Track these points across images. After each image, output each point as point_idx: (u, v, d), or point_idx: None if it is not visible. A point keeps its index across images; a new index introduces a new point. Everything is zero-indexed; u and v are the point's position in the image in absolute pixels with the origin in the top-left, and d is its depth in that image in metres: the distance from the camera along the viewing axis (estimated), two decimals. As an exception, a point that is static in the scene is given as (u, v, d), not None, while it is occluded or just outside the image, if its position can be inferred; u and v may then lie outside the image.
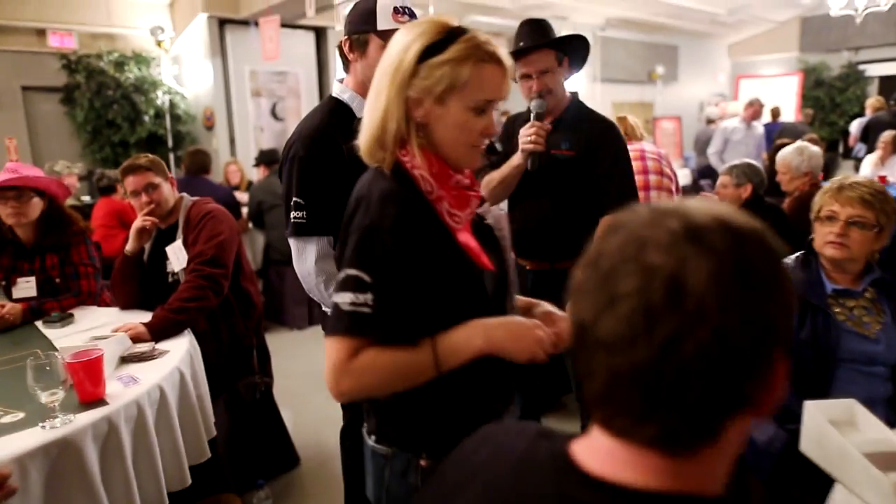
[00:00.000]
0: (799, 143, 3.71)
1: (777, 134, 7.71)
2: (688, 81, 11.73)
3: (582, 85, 8.85)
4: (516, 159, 2.27)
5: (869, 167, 6.74)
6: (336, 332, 1.07)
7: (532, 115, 2.24)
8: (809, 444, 1.36)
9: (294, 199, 1.80)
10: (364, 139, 1.15)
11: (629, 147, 2.47)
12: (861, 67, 10.97)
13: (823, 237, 1.91)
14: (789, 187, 3.55)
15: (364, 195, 1.13)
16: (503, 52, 1.14)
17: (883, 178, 6.41)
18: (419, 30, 1.11)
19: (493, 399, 1.25)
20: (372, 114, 1.14)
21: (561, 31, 8.63)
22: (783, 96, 11.01)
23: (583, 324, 0.57)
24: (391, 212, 1.08)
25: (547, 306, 1.32)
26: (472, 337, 1.10)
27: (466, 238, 1.15)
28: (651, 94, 10.90)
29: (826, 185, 1.99)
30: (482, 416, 1.04)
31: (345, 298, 1.06)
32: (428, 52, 1.09)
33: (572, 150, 2.29)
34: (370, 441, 1.25)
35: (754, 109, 7.33)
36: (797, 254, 2.02)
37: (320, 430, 3.30)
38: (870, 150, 7.31)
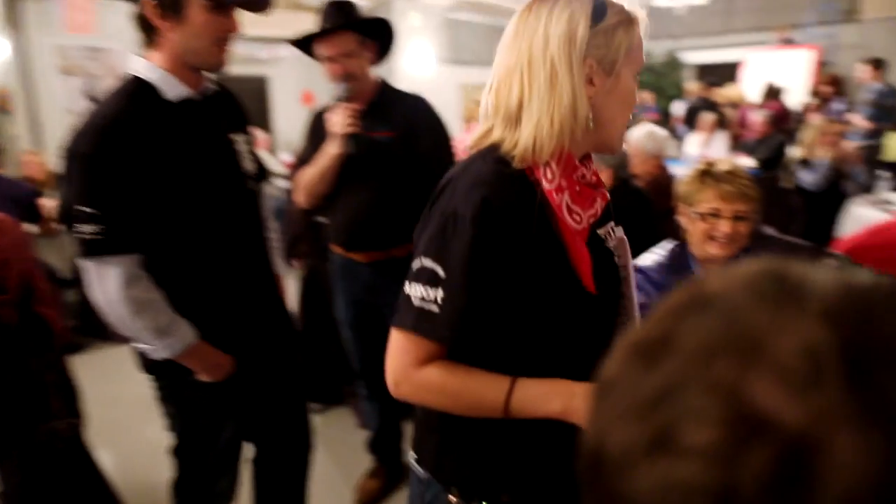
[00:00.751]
0: (647, 126, 3.80)
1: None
2: (532, 66, 11.99)
3: (430, 67, 8.72)
4: (332, 148, 2.19)
5: (695, 147, 7.32)
6: (403, 326, 0.96)
7: (339, 99, 2.19)
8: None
9: (82, 209, 1.38)
10: (542, 137, 0.93)
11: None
12: (680, 55, 11.94)
13: (705, 233, 1.83)
14: (639, 169, 3.64)
15: (457, 175, 0.97)
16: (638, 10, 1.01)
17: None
18: None
19: (547, 453, 1.06)
20: (551, 105, 0.93)
21: (407, 13, 8.50)
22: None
23: (601, 452, 0.32)
24: (480, 198, 0.91)
25: None
26: (552, 396, 0.94)
27: (577, 251, 0.96)
28: (498, 78, 10.96)
29: (692, 172, 1.93)
30: (532, 464, 1.00)
31: (415, 291, 0.94)
32: (594, 17, 0.93)
33: (391, 131, 2.25)
34: (411, 457, 1.13)
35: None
36: (669, 247, 1.94)
37: (152, 470, 2.83)
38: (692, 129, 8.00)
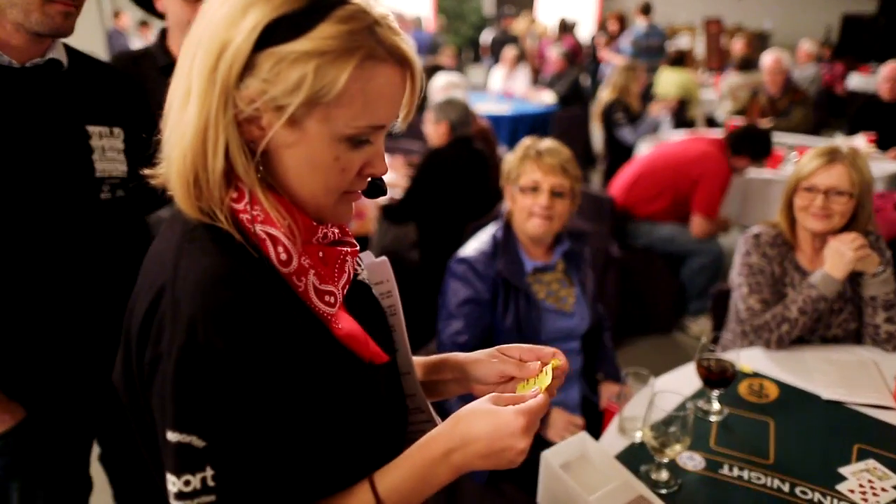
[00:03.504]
0: (446, 92, 3.67)
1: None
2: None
3: None
4: None
5: (499, 80, 7.46)
6: None
7: None
8: (546, 495, 1.20)
9: None
10: (172, 178, 0.69)
11: None
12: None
13: (527, 209, 1.77)
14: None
15: (167, 285, 0.67)
16: (407, 42, 0.71)
17: (510, 93, 7.16)
18: None
19: None
20: (179, 134, 0.68)
21: None
22: (419, 5, 11.58)
23: None
24: (220, 309, 0.64)
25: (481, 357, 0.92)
26: (431, 474, 0.73)
27: (347, 325, 0.76)
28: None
29: (519, 148, 1.84)
30: None
31: (173, 487, 0.65)
32: (274, 33, 0.64)
33: None
34: None
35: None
36: (491, 233, 1.86)
37: None
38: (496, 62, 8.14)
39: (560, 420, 1.71)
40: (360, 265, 0.87)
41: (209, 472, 0.64)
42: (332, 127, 0.67)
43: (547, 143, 1.83)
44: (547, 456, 1.22)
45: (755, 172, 3.61)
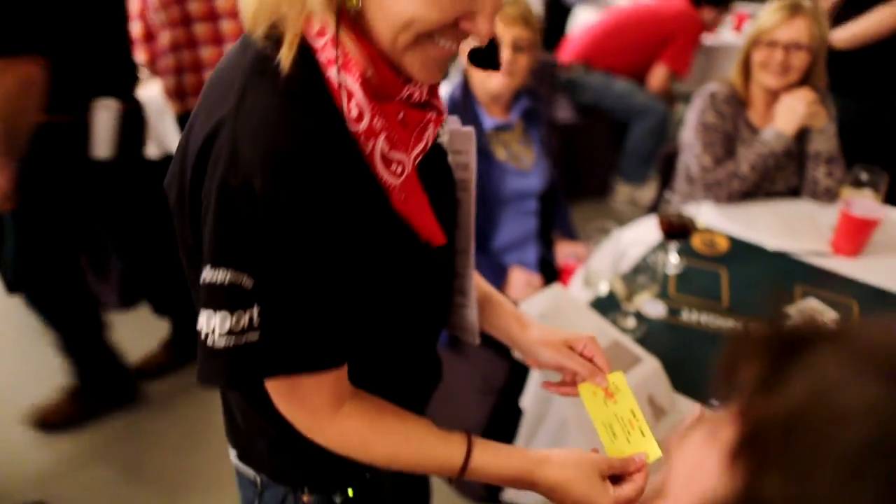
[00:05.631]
0: None
1: None
2: None
3: None
4: None
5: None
6: (212, 383, 0.65)
7: None
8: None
9: None
10: None
11: None
12: None
13: None
14: None
15: (227, 120, 0.60)
16: None
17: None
18: None
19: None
20: None
21: None
22: None
23: None
24: (280, 158, 0.58)
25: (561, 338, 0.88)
26: (509, 479, 0.74)
27: (409, 202, 0.68)
28: None
29: None
30: None
31: (215, 325, 0.62)
32: None
33: None
34: (236, 460, 0.88)
35: None
36: (448, 90, 1.75)
37: None
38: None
39: (519, 279, 1.73)
40: (441, 128, 0.77)
41: (255, 310, 0.61)
42: None
43: (505, -12, 1.70)
44: (523, 307, 1.23)
45: (715, 40, 3.60)
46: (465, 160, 0.84)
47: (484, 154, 1.71)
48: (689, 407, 1.17)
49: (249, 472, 0.84)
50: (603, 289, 1.45)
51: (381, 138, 0.63)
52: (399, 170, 0.66)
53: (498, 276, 1.72)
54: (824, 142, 1.79)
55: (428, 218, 0.70)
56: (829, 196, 1.83)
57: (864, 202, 1.60)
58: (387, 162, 0.65)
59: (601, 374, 0.84)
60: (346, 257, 0.64)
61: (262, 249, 0.59)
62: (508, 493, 1.57)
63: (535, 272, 1.81)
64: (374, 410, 0.72)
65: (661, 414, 1.14)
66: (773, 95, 1.81)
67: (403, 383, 0.84)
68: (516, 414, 1.53)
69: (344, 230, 0.62)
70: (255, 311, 0.61)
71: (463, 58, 0.86)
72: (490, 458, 0.73)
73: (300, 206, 0.58)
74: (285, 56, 0.59)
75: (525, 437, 1.44)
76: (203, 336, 0.62)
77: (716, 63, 3.67)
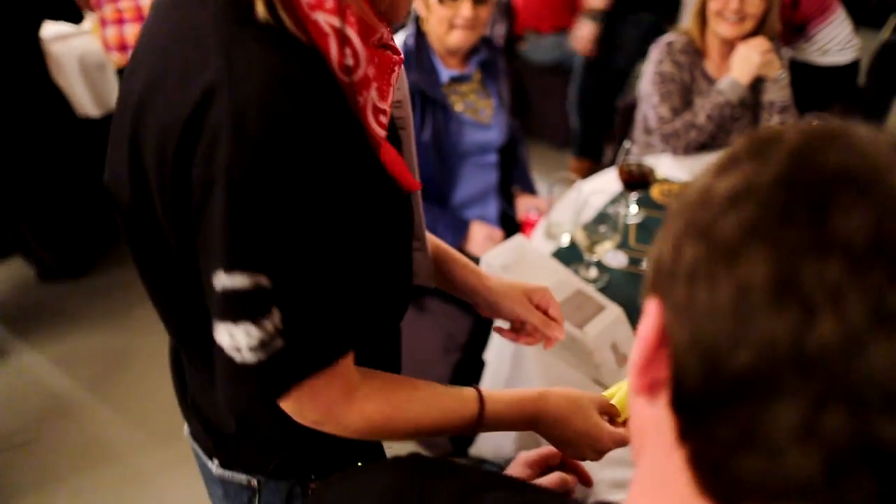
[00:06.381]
0: None
1: None
2: None
3: None
4: None
5: None
6: (248, 408, 0.61)
7: None
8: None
9: None
10: None
11: None
12: None
13: (448, 20, 1.61)
14: None
15: (221, 87, 0.50)
16: None
17: None
18: None
19: None
20: None
21: None
22: None
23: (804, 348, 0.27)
24: (294, 126, 0.51)
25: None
26: (515, 422, 0.73)
27: (389, 152, 0.63)
28: None
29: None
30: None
31: (241, 341, 0.55)
32: None
33: None
34: (220, 469, 0.79)
35: None
36: (403, 38, 1.69)
37: None
38: None
39: (480, 233, 1.71)
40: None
41: (276, 314, 0.54)
42: None
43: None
44: (486, 258, 1.21)
45: None
46: (398, 97, 0.77)
47: (441, 106, 1.67)
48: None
49: (240, 477, 0.78)
50: (565, 240, 1.45)
51: (373, 88, 0.59)
52: (385, 120, 0.62)
53: (458, 232, 1.70)
54: (777, 91, 1.81)
55: (402, 165, 0.66)
56: (782, 145, 1.86)
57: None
58: (376, 113, 0.60)
59: (556, 326, 0.84)
60: (354, 226, 0.59)
61: (280, 239, 0.53)
62: (475, 447, 1.58)
63: (497, 227, 1.80)
64: (388, 387, 0.68)
65: (624, 361, 1.15)
66: (729, 46, 1.81)
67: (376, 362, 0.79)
68: (479, 369, 1.53)
69: (351, 197, 0.57)
70: (277, 314, 0.55)
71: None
72: (501, 406, 0.71)
73: (315, 179, 0.52)
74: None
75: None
76: (228, 355, 0.56)
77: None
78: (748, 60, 1.73)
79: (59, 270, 2.41)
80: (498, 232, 1.74)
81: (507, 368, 1.33)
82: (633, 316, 1.20)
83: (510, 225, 1.85)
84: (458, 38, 1.63)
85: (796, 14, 2.59)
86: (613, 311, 1.17)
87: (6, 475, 1.81)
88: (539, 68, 3.34)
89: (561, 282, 1.20)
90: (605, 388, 1.13)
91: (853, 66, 2.71)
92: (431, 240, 0.88)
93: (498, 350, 1.42)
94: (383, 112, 0.61)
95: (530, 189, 1.92)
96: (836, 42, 2.63)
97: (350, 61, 0.55)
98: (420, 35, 1.69)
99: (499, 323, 0.90)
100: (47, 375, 2.10)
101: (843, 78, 2.70)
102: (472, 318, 1.66)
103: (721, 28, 1.76)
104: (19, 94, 1.93)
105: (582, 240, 1.30)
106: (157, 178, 0.55)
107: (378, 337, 0.78)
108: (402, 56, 0.67)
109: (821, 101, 2.38)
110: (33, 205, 2.17)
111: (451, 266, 0.89)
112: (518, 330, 0.88)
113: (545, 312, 0.85)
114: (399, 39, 1.70)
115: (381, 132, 0.61)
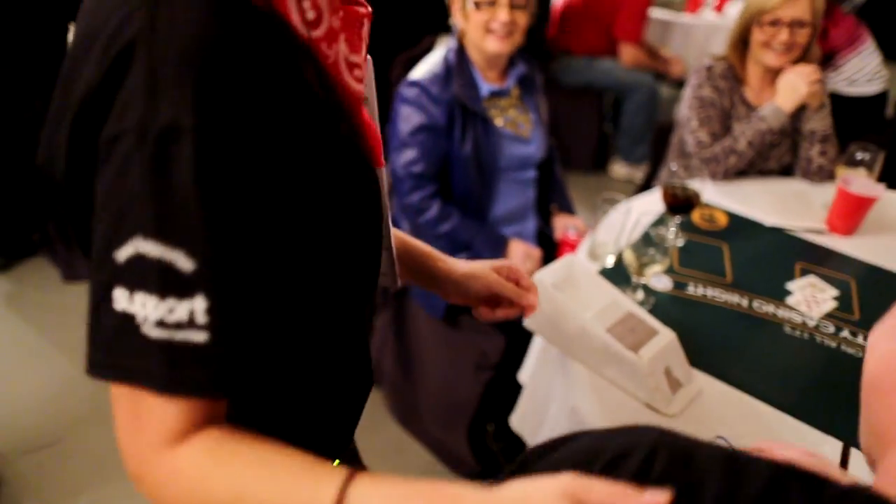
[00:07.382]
0: None
1: None
2: None
3: None
4: None
5: None
6: (135, 385, 0.47)
7: None
8: (537, 317, 1.18)
9: None
10: None
11: None
12: None
13: (483, 25, 1.61)
14: None
15: (136, 45, 0.46)
16: None
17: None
18: None
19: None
20: None
21: None
22: None
23: None
24: (218, 86, 0.46)
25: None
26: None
27: (366, 112, 0.61)
28: None
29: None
30: None
31: (147, 312, 0.46)
32: None
33: None
34: None
35: None
36: (442, 54, 1.69)
37: None
38: None
39: (519, 251, 1.69)
40: None
41: (200, 305, 0.46)
42: None
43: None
44: (538, 276, 1.19)
45: (697, 20, 3.59)
46: (359, 74, 0.65)
47: (482, 119, 1.66)
48: (703, 380, 1.16)
49: None
50: (609, 261, 1.43)
51: (342, 41, 0.55)
52: (360, 74, 0.58)
53: (497, 248, 1.68)
54: (820, 120, 1.80)
55: (375, 129, 0.63)
56: (822, 175, 1.84)
57: (860, 180, 1.61)
58: (350, 67, 0.56)
59: (530, 295, 0.84)
60: (302, 216, 0.53)
61: (204, 216, 0.45)
62: (516, 418, 1.51)
63: (534, 245, 1.78)
64: (235, 441, 0.51)
65: (678, 386, 1.12)
66: (773, 73, 1.80)
67: (335, 384, 0.71)
68: (513, 390, 1.51)
69: (301, 175, 0.51)
70: (201, 304, 0.46)
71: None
72: (386, 488, 0.47)
73: (247, 150, 0.47)
74: None
75: (525, 412, 1.41)
76: (123, 317, 0.46)
77: (695, 43, 3.68)
78: (795, 89, 1.72)
79: (83, 272, 2.39)
80: (536, 250, 1.72)
81: (550, 390, 1.30)
82: (680, 341, 1.18)
83: (547, 243, 1.83)
84: (495, 45, 1.63)
85: (825, 43, 2.60)
86: (667, 336, 1.14)
87: (27, 478, 1.78)
88: (569, 90, 3.35)
89: (612, 303, 1.18)
90: (658, 413, 1.11)
91: (881, 97, 2.71)
92: (395, 234, 0.82)
93: (536, 371, 1.39)
94: (357, 66, 0.58)
95: (568, 208, 1.91)
96: (865, 73, 2.63)
97: (311, 14, 0.52)
98: (461, 50, 1.69)
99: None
100: (80, 380, 2.07)
101: (870, 109, 2.70)
102: (505, 337, 1.64)
103: (767, 58, 1.75)
104: (49, 97, 1.92)
105: (631, 262, 1.28)
106: (78, 147, 0.50)
107: (339, 343, 0.69)
108: (370, 10, 0.62)
109: (847, 132, 2.37)
110: (58, 204, 2.16)
111: (410, 253, 0.86)
112: (493, 306, 0.86)
113: (516, 283, 0.85)
114: (440, 54, 1.70)
115: (358, 87, 0.58)
